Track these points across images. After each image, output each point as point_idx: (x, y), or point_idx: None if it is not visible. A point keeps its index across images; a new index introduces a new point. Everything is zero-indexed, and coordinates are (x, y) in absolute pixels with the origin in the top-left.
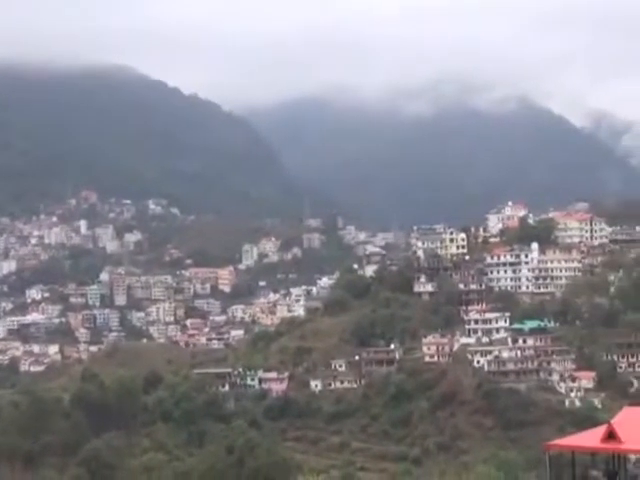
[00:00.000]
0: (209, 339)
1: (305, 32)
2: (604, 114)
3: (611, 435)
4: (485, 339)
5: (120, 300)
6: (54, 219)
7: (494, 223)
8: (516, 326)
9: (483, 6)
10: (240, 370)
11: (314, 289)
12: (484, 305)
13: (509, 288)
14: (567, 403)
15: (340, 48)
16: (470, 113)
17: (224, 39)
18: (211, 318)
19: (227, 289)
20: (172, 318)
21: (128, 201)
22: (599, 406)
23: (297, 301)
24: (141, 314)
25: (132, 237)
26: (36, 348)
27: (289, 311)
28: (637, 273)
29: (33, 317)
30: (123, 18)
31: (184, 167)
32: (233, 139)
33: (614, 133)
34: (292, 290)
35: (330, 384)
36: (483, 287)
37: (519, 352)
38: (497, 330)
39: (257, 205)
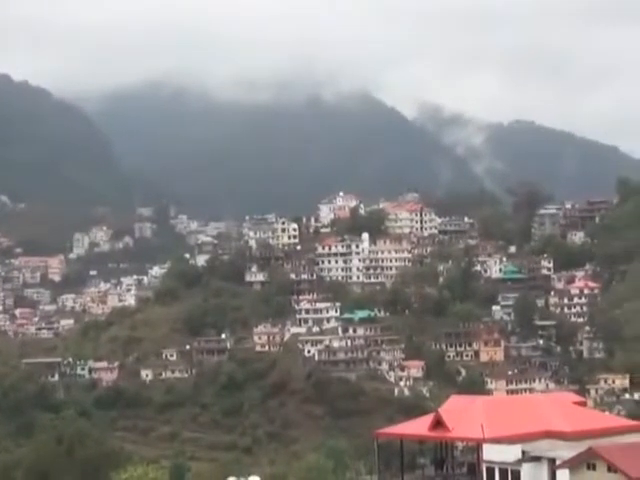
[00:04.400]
0: (38, 329)
1: (145, 19)
2: (434, 107)
3: (439, 423)
4: (316, 329)
5: None
6: None
7: (325, 213)
8: (346, 316)
9: None
10: (70, 360)
11: (145, 278)
12: (315, 295)
13: (340, 278)
14: (396, 392)
15: (183, 36)
16: (310, 104)
17: (57, 25)
18: (41, 307)
19: (57, 278)
20: (1, 307)
21: None
22: (427, 395)
23: (128, 290)
24: None
25: None
26: None
27: (120, 300)
28: (465, 264)
29: None
30: None
31: (14, 155)
32: (65, 127)
33: (443, 125)
34: (123, 279)
35: (161, 374)
36: (314, 277)
37: (349, 341)
38: (328, 320)
39: (88, 193)
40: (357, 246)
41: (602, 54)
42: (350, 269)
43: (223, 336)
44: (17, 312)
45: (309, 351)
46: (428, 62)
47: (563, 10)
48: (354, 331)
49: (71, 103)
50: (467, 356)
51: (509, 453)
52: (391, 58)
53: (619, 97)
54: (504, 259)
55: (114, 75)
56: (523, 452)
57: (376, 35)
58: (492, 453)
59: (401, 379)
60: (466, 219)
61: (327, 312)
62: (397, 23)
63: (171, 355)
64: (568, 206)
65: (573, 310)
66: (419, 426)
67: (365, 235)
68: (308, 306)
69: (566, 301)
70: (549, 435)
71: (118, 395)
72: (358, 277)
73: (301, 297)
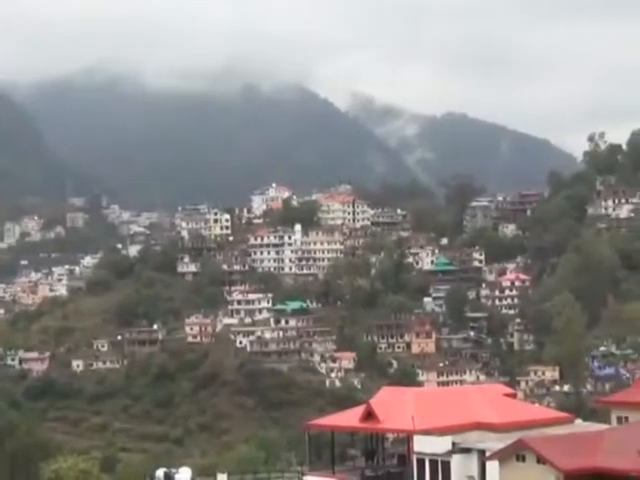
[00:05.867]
0: None
1: (80, 7)
2: (367, 98)
3: (370, 415)
4: (248, 320)
5: None
6: None
7: (258, 204)
8: (278, 307)
9: None
10: (0, 350)
11: (77, 269)
12: (247, 286)
13: (272, 269)
14: (328, 383)
15: (119, 25)
16: (245, 95)
17: None
18: None
19: None
20: None
21: None
22: (359, 386)
23: (59, 280)
24: None
25: None
26: None
27: (51, 290)
28: (397, 255)
29: None
30: None
31: None
32: None
33: (376, 117)
34: (54, 269)
35: (92, 364)
36: (246, 268)
37: (281, 333)
38: (260, 311)
39: (19, 183)
40: (289, 237)
41: (538, 49)
42: (282, 260)
43: (155, 327)
44: None
45: (241, 342)
46: (365, 54)
47: (501, 4)
48: (286, 322)
49: (1, 92)
50: (398, 348)
51: (439, 444)
52: (327, 50)
53: (553, 91)
54: (436, 251)
55: (46, 64)
56: (453, 443)
57: (312, 27)
58: (422, 444)
59: (333, 370)
60: (399, 211)
61: (259, 303)
62: (334, 15)
63: (102, 346)
64: (500, 199)
65: (504, 302)
66: (350, 417)
67: (297, 226)
68: (240, 297)
69: (497, 293)
70: (479, 427)
71: (49, 386)
72: (290, 268)
73: (233, 288)
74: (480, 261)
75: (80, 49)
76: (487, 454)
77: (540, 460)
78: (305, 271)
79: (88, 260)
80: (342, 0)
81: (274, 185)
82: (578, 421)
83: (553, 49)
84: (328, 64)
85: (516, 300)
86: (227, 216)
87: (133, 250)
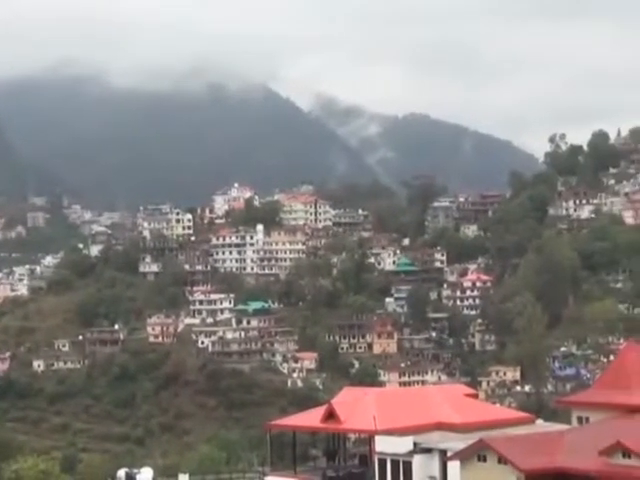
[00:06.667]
0: None
1: (45, 8)
2: (330, 98)
3: (331, 415)
4: (210, 320)
5: None
6: None
7: (220, 204)
8: (240, 307)
9: None
10: None
11: (38, 268)
12: (209, 286)
13: (234, 269)
14: (289, 383)
15: (83, 24)
16: (208, 95)
17: None
18: None
19: None
20: None
21: None
22: (320, 386)
23: (20, 280)
24: None
25: None
26: None
27: (12, 290)
28: (359, 256)
29: None
30: None
31: None
32: None
33: (338, 117)
34: (15, 269)
35: (53, 364)
36: (208, 268)
37: (243, 333)
38: (221, 311)
39: None
40: (251, 237)
41: (503, 51)
42: (244, 260)
43: (116, 327)
44: None
45: (203, 342)
46: (331, 55)
47: (468, 7)
48: (248, 322)
49: None
50: (360, 348)
51: (401, 445)
52: (294, 50)
53: (516, 93)
54: (398, 252)
55: (9, 62)
56: (415, 444)
57: (279, 27)
58: (384, 445)
59: (294, 370)
60: (360, 211)
61: (221, 303)
62: (302, 16)
63: (63, 345)
64: (462, 199)
65: (466, 303)
66: (312, 418)
67: (259, 226)
68: (202, 297)
69: (459, 294)
70: (441, 427)
71: (9, 386)
72: (252, 268)
73: (195, 288)
74: (442, 261)
75: (44, 48)
76: (448, 454)
77: (501, 460)
78: (267, 271)
79: (49, 260)
80: (310, 1)
81: (236, 185)
82: (539, 421)
83: (517, 51)
84: (294, 65)
85: (477, 300)
86: (189, 216)
87: (94, 250)
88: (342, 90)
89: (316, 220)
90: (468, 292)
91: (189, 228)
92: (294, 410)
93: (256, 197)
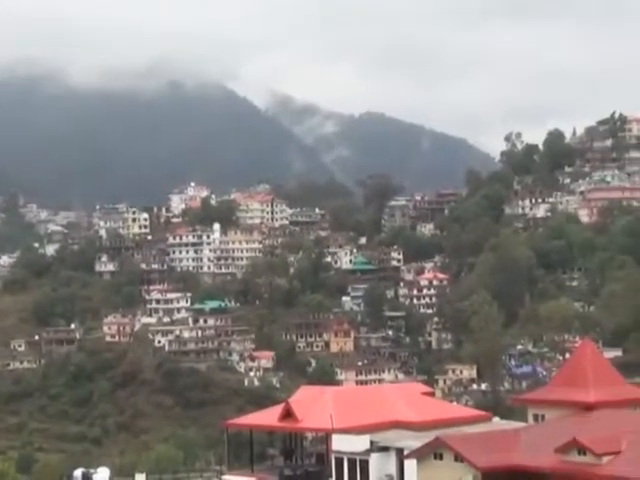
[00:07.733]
0: None
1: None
2: (286, 97)
3: (288, 414)
4: (166, 319)
5: None
6: None
7: (177, 203)
8: (197, 306)
9: None
10: None
11: None
12: (165, 285)
13: (191, 268)
14: (246, 382)
15: (40, 23)
16: (166, 94)
17: None
18: None
19: None
20: None
21: None
22: (277, 385)
23: None
24: None
25: None
26: None
27: None
28: (316, 255)
29: None
30: None
31: None
32: None
33: (294, 115)
34: None
35: (9, 364)
36: (165, 267)
37: (200, 332)
38: (178, 310)
39: None
40: (208, 236)
41: (459, 50)
42: (201, 259)
43: (72, 326)
44: None
45: (159, 341)
46: (288, 54)
47: (426, 6)
48: (204, 321)
49: None
50: (317, 347)
51: (357, 443)
52: (251, 49)
53: (472, 91)
54: (354, 250)
55: None
56: (371, 442)
57: (237, 26)
58: (341, 443)
59: (251, 369)
60: (317, 210)
61: (178, 302)
62: (260, 14)
63: (19, 345)
64: (418, 198)
65: (422, 301)
66: (269, 417)
67: (216, 225)
68: (159, 296)
69: (415, 292)
70: (397, 425)
71: None
72: (209, 267)
73: (152, 287)
74: (398, 260)
75: (1, 48)
76: (405, 452)
77: (458, 458)
78: (224, 270)
79: (5, 259)
80: (268, 1)
81: (192, 184)
82: (495, 419)
83: (473, 50)
84: (251, 63)
85: (434, 299)
86: (145, 215)
87: (50, 249)
88: (298, 89)
89: (273, 219)
90: (425, 291)
91: (145, 227)
92: (251, 409)
93: (213, 196)
